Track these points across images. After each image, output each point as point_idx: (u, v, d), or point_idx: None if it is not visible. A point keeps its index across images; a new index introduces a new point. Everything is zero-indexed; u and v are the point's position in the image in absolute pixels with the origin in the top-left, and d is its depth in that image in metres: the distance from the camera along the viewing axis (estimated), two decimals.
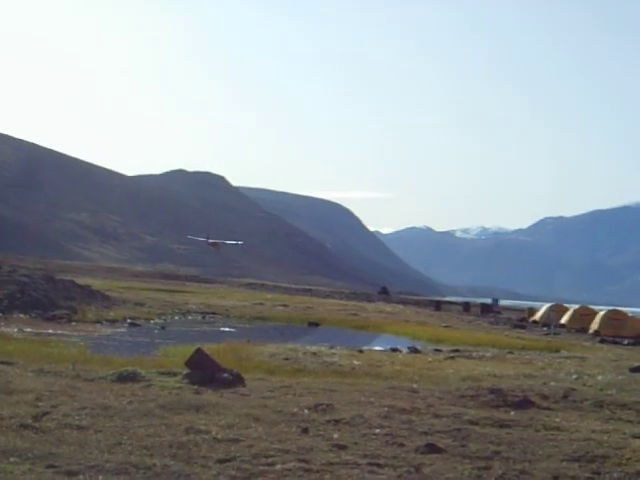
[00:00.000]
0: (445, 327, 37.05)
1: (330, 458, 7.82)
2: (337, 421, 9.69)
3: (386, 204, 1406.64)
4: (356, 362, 17.82)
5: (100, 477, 6.78)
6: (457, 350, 23.01)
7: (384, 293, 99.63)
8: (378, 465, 7.67)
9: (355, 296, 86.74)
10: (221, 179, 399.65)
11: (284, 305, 49.54)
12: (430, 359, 19.84)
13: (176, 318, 35.07)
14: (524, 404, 11.65)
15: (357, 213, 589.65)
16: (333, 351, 20.36)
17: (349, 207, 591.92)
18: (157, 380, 12.34)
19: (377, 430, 9.27)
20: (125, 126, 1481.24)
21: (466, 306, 67.19)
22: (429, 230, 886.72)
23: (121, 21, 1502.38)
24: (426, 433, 9.29)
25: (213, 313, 38.92)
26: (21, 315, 27.83)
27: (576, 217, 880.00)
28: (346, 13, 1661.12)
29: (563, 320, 45.17)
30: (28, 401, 9.98)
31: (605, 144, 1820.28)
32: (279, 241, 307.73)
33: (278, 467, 7.38)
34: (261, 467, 7.37)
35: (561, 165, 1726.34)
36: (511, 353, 22.81)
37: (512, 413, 11.01)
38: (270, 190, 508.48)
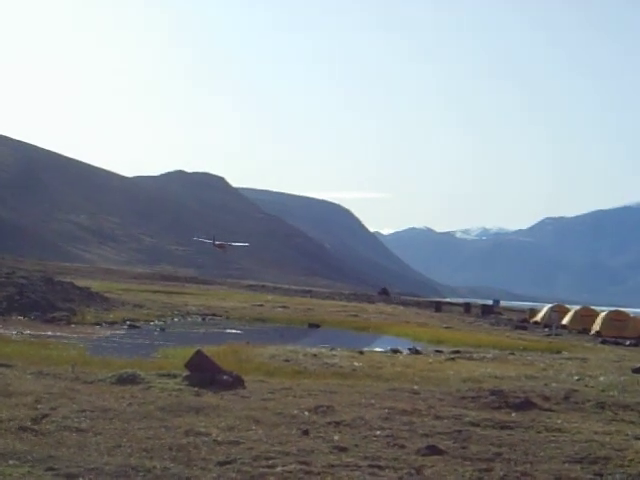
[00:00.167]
0: (446, 328, 36.99)
1: (331, 460, 7.79)
2: (338, 423, 9.65)
3: (386, 205, 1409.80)
4: (357, 364, 17.77)
5: None
6: (458, 351, 22.95)
7: (384, 294, 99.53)
8: (379, 467, 7.64)
9: (355, 297, 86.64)
10: (220, 180, 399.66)
11: (284, 306, 49.49)
12: (431, 360, 19.79)
13: (175, 320, 35.00)
14: (525, 405, 11.61)
15: (357, 214, 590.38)
16: (333, 353, 20.31)
17: (349, 208, 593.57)
18: (157, 382, 12.30)
19: (378, 432, 9.23)
20: (124, 127, 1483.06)
21: (467, 307, 67.13)
22: (429, 231, 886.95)
23: (120, 22, 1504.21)
24: (427, 435, 9.26)
25: (213, 315, 38.85)
26: (20, 317, 27.79)
27: (577, 217, 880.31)
28: (345, 14, 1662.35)
29: (564, 321, 45.14)
30: (27, 404, 9.95)
31: (606, 144, 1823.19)
32: (279, 242, 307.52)
33: (279, 469, 7.36)
34: (261, 469, 7.35)
35: (562, 165, 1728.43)
36: (512, 354, 22.77)
37: (513, 414, 10.98)
38: (270, 191, 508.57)
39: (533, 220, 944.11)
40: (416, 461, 7.96)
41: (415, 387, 13.43)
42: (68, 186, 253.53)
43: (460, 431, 9.49)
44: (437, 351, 23.39)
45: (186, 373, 12.79)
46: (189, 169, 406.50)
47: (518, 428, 9.98)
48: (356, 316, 43.96)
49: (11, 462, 7.11)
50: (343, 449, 8.30)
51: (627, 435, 9.76)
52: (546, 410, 11.55)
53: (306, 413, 10.23)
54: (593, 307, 50.92)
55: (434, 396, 12.34)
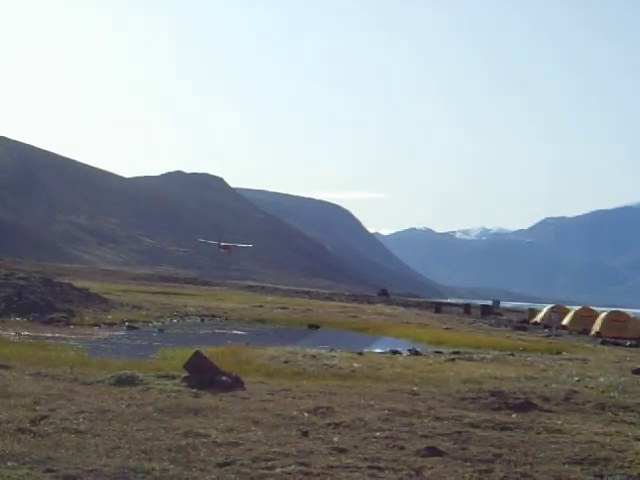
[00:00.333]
0: (445, 329, 36.96)
1: (330, 461, 7.77)
2: (337, 424, 9.63)
3: (386, 205, 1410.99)
4: (356, 365, 17.75)
5: None
6: (458, 352, 22.93)
7: (384, 295, 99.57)
8: (378, 468, 7.62)
9: (355, 298, 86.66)
10: (220, 180, 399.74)
11: (283, 307, 49.48)
12: (430, 361, 19.77)
13: (175, 321, 34.95)
14: (525, 406, 11.59)
15: (356, 214, 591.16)
16: (333, 354, 20.29)
17: (348, 208, 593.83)
18: (155, 383, 12.27)
19: (377, 433, 9.21)
20: (123, 128, 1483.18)
21: (467, 308, 67.13)
22: (429, 231, 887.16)
23: (119, 22, 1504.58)
24: (427, 436, 9.23)
25: (212, 316, 38.80)
26: (18, 318, 27.76)
27: (577, 217, 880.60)
28: (344, 14, 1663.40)
29: (564, 322, 45.14)
30: (26, 405, 9.93)
31: (606, 144, 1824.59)
32: (278, 243, 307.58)
33: (278, 471, 7.34)
34: (261, 471, 7.33)
35: (562, 165, 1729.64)
36: (512, 355, 22.75)
37: (513, 415, 10.96)
38: (269, 191, 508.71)
39: (533, 220, 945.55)
40: (416, 462, 7.93)
41: (415, 388, 13.41)
42: (67, 187, 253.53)
43: (460, 432, 9.47)
44: (437, 352, 23.35)
45: (185, 374, 12.76)
46: (188, 170, 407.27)
47: (518, 429, 9.96)
48: (356, 317, 43.93)
49: (10, 464, 7.08)
50: (342, 450, 8.28)
51: (627, 436, 9.74)
52: (546, 411, 11.53)
53: (305, 414, 10.21)
54: (593, 308, 50.95)
55: (434, 397, 12.32)
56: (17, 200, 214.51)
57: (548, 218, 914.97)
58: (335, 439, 8.82)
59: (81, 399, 10.58)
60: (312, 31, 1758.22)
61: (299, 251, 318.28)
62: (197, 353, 13.17)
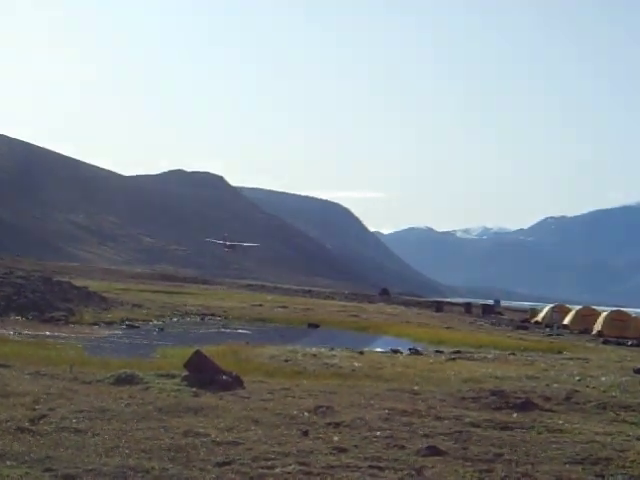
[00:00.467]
0: (446, 328, 36.92)
1: (330, 461, 7.74)
2: (337, 424, 9.60)
3: (386, 204, 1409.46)
4: (356, 364, 17.72)
5: None
6: (458, 352, 22.90)
7: (385, 294, 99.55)
8: (379, 468, 7.59)
9: (355, 297, 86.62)
10: (220, 179, 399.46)
11: (284, 306, 49.42)
12: (431, 361, 19.73)
13: (174, 320, 34.93)
14: (526, 406, 11.56)
15: (357, 213, 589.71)
16: (333, 353, 20.26)
17: (349, 207, 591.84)
18: (155, 382, 12.24)
19: (378, 433, 9.18)
20: (123, 126, 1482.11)
21: (467, 307, 67.05)
22: (430, 230, 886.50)
23: (118, 20, 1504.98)
24: (427, 436, 9.20)
25: (212, 315, 38.76)
26: (17, 317, 27.73)
27: (578, 217, 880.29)
28: (343, 15, 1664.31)
29: (566, 321, 45.14)
30: (25, 404, 9.90)
31: (608, 143, 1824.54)
32: (278, 242, 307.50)
33: (278, 470, 7.31)
34: (261, 470, 7.30)
35: (563, 164, 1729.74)
36: (513, 354, 22.70)
37: (514, 415, 10.92)
38: (269, 190, 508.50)
39: (534, 219, 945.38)
40: (416, 462, 7.90)
41: (415, 388, 13.37)
42: (66, 185, 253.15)
43: (461, 432, 9.44)
44: (437, 351, 23.32)
45: (185, 373, 12.73)
46: (188, 168, 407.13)
47: (519, 429, 9.93)
48: (356, 316, 43.89)
49: (9, 463, 7.06)
50: (343, 450, 8.25)
51: (629, 436, 9.70)
52: (547, 411, 11.50)
53: (306, 414, 10.18)
54: (594, 307, 50.95)
55: (434, 397, 12.29)
56: (16, 198, 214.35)
57: (549, 217, 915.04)
58: (335, 438, 8.79)
59: (80, 398, 10.55)
60: (312, 31, 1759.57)
61: (299, 250, 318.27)
62: (197, 352, 13.15)
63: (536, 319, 51.05)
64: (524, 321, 51.32)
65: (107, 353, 18.87)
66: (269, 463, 7.52)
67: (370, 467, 7.58)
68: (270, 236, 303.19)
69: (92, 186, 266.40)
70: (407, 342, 28.49)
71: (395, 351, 22.61)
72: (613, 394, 13.59)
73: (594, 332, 39.97)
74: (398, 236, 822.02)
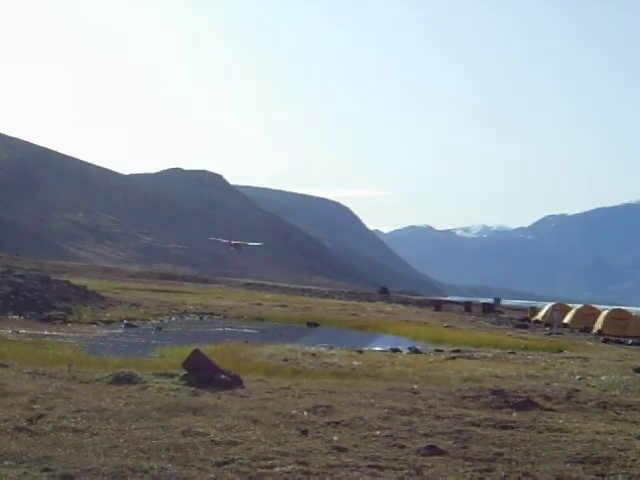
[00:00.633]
0: (446, 327, 36.88)
1: (330, 460, 7.70)
2: (337, 423, 9.56)
3: (386, 202, 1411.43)
4: (356, 363, 17.69)
5: None
6: (458, 350, 22.85)
7: (384, 293, 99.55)
8: (379, 467, 7.55)
9: (355, 296, 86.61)
10: (219, 178, 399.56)
11: (283, 305, 49.39)
12: (431, 360, 19.69)
13: (173, 319, 34.90)
14: (526, 405, 11.52)
15: (356, 212, 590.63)
16: (332, 352, 20.22)
17: (348, 206, 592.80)
18: (154, 382, 12.19)
19: (377, 432, 9.14)
20: (121, 124, 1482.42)
21: (467, 306, 67.01)
22: (429, 229, 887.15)
23: (117, 19, 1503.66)
24: (427, 435, 9.16)
25: (211, 314, 38.75)
26: (15, 316, 27.71)
27: (579, 215, 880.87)
28: (342, 15, 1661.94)
29: (566, 320, 45.14)
30: (23, 403, 9.85)
31: (608, 141, 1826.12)
32: (277, 240, 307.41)
33: (277, 470, 7.27)
34: (260, 470, 7.25)
35: (563, 162, 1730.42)
36: (513, 353, 22.65)
37: (514, 414, 10.88)
38: (268, 189, 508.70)
39: (534, 218, 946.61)
40: (416, 461, 7.86)
41: (415, 386, 13.34)
42: (64, 184, 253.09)
43: (461, 431, 9.40)
44: (437, 350, 23.29)
45: (183, 372, 12.69)
46: (187, 166, 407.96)
47: (519, 428, 9.88)
48: (355, 315, 43.89)
49: (6, 463, 7.01)
50: (342, 449, 8.21)
51: (630, 435, 9.66)
52: (547, 410, 11.46)
53: (305, 413, 10.14)
54: (595, 305, 50.95)
55: (434, 396, 12.25)
56: (14, 197, 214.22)
57: (549, 216, 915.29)
58: (335, 438, 8.75)
59: (79, 398, 10.50)
60: (311, 30, 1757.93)
61: (298, 249, 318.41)
62: (196, 351, 13.10)
63: (536, 318, 51.02)
64: (524, 320, 51.27)
65: (105, 352, 18.78)
66: (268, 463, 7.48)
67: (370, 466, 7.54)
68: (269, 235, 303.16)
69: (90, 185, 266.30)
70: (406, 341, 28.48)
71: (394, 350, 22.59)
72: (614, 393, 13.56)
73: (594, 331, 39.97)
74: (398, 235, 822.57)
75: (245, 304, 47.90)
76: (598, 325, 40.74)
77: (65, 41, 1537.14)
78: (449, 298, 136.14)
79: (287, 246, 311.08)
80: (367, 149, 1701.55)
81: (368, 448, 8.35)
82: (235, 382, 12.38)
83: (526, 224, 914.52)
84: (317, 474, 7.19)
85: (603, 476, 7.66)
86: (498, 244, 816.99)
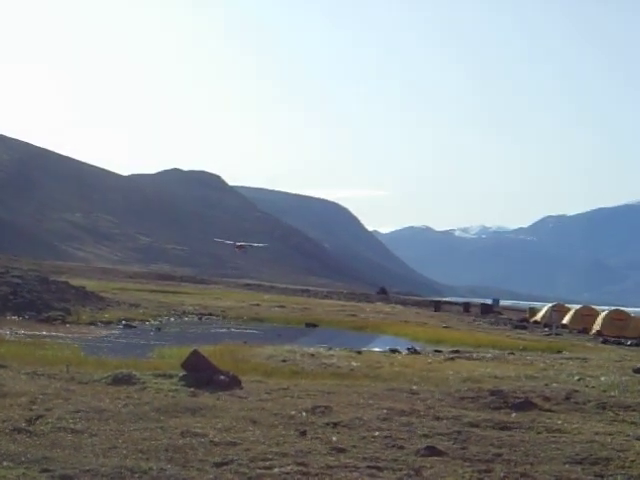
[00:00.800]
0: (445, 328, 36.88)
1: (329, 461, 7.70)
2: (336, 424, 9.56)
3: (384, 203, 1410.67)
4: (355, 363, 17.68)
5: None
6: (457, 351, 22.86)
7: (383, 293, 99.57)
8: (378, 468, 7.55)
9: (353, 296, 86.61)
10: (217, 178, 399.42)
11: (281, 306, 49.38)
12: (430, 360, 19.69)
13: (172, 319, 34.86)
14: (525, 406, 11.52)
15: (355, 212, 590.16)
16: (331, 352, 20.22)
17: (347, 206, 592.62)
18: (153, 382, 12.18)
19: (376, 433, 9.14)
20: (119, 125, 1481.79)
21: (466, 306, 67.02)
22: (428, 229, 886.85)
23: (116, 19, 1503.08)
24: (426, 435, 9.17)
25: (209, 314, 38.73)
26: (14, 317, 27.67)
27: (577, 216, 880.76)
28: (341, 15, 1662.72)
29: (565, 320, 45.12)
30: (22, 404, 9.85)
31: (608, 141, 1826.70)
32: (276, 241, 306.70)
33: (276, 470, 7.27)
34: (259, 470, 7.26)
35: (562, 163, 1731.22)
36: (512, 354, 22.66)
37: (513, 415, 10.88)
38: (267, 189, 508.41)
39: (533, 218, 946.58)
40: (415, 462, 7.86)
41: (414, 387, 13.33)
42: (63, 184, 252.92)
43: (459, 432, 9.40)
44: (436, 351, 23.29)
45: (182, 373, 12.68)
46: (185, 167, 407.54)
47: (518, 429, 9.89)
48: (354, 315, 43.88)
49: (5, 464, 7.01)
50: (341, 450, 8.20)
51: (629, 436, 9.66)
52: (546, 410, 11.46)
53: (304, 414, 10.13)
54: (594, 306, 50.95)
55: (433, 396, 12.25)
56: (12, 198, 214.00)
57: (548, 216, 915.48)
58: (334, 439, 8.74)
59: (77, 398, 10.49)
60: (311, 30, 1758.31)
61: (297, 249, 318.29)
62: (194, 352, 13.09)
63: (535, 318, 51.00)
64: (523, 320, 51.25)
65: (104, 353, 18.77)
66: (267, 463, 7.48)
67: (368, 467, 7.54)
68: (267, 235, 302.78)
69: (88, 185, 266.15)
70: (405, 342, 28.46)
71: (393, 351, 22.58)
72: (612, 394, 13.55)
73: (593, 331, 39.95)
74: (396, 235, 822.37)
75: (244, 305, 47.88)
76: (597, 326, 40.72)
77: (64, 41, 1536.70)
78: (448, 299, 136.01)
79: (286, 247, 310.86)
80: (366, 149, 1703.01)
81: (367, 449, 8.34)
82: (234, 383, 12.37)
83: (525, 224, 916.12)
84: (316, 475, 7.19)
85: (602, 477, 7.66)
86: (497, 245, 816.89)
